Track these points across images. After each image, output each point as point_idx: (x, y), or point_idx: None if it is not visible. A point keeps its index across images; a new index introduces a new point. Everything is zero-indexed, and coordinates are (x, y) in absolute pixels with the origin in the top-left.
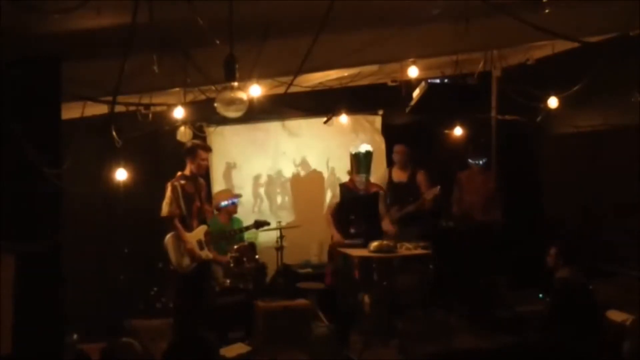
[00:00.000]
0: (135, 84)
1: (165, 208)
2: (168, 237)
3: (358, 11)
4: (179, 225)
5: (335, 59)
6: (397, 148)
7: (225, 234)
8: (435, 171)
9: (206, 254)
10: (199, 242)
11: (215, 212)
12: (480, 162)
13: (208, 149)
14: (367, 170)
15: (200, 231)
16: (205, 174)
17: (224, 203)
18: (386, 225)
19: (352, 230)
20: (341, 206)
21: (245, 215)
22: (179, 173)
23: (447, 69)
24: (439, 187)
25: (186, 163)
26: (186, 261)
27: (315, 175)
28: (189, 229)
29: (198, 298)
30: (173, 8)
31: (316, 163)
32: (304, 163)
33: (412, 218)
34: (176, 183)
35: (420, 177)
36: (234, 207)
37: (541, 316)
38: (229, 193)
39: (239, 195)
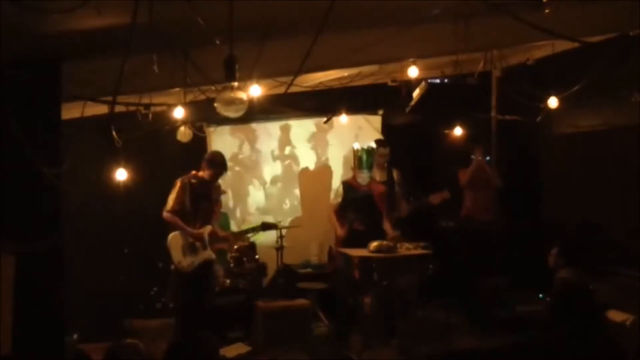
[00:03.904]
0: (135, 84)
1: (170, 203)
2: (171, 236)
3: (358, 11)
4: (180, 221)
5: (335, 59)
6: (381, 150)
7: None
8: (434, 171)
9: (209, 253)
10: (203, 242)
11: None
12: (485, 159)
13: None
14: (370, 167)
15: (204, 231)
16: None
17: None
18: (387, 227)
19: (355, 227)
20: (344, 203)
21: (246, 213)
22: (194, 172)
23: (447, 69)
24: (447, 191)
25: (207, 169)
26: (188, 260)
27: (321, 173)
28: (192, 227)
29: (200, 297)
30: (173, 8)
31: (317, 162)
32: (305, 162)
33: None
34: (186, 181)
35: (397, 176)
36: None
37: (541, 316)
38: None
39: (222, 192)
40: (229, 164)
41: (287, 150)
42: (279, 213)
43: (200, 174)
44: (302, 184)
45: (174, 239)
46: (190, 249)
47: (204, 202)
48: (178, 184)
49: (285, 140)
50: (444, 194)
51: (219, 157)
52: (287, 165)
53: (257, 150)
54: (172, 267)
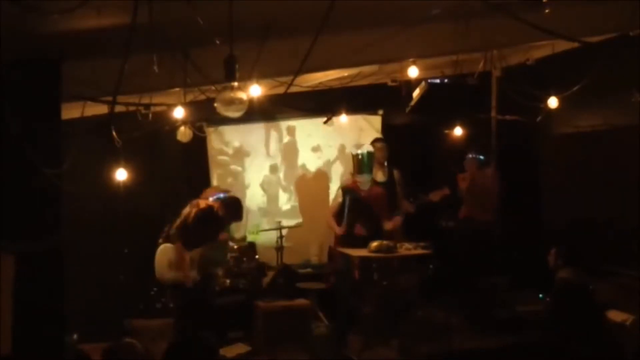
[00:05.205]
0: (135, 84)
1: (174, 231)
2: (161, 248)
3: (358, 11)
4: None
5: (335, 59)
6: (378, 145)
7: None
8: (434, 171)
9: (194, 274)
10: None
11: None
12: (479, 159)
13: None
14: (370, 171)
15: (194, 256)
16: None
17: (211, 199)
18: (388, 225)
19: (356, 231)
20: (343, 207)
21: (247, 213)
22: (211, 203)
23: (447, 69)
24: (447, 188)
25: (222, 209)
26: (171, 274)
27: (320, 175)
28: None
29: (200, 297)
30: (173, 8)
31: (318, 162)
32: (304, 162)
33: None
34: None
35: (398, 176)
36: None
37: (541, 316)
38: (216, 189)
39: (226, 191)
40: (231, 166)
41: (290, 151)
42: (280, 214)
43: (215, 206)
44: (300, 189)
45: (162, 252)
46: (176, 266)
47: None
48: (192, 214)
49: (288, 141)
50: (444, 191)
51: (236, 204)
52: (289, 166)
53: (259, 150)
54: None
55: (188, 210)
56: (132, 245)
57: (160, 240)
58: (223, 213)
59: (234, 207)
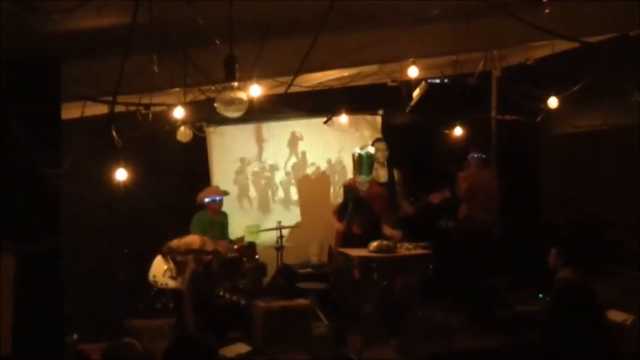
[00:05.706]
0: (135, 84)
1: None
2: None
3: (358, 11)
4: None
5: (335, 59)
6: (379, 145)
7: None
8: (434, 171)
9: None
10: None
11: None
12: (482, 158)
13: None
14: (369, 172)
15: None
16: None
17: (206, 200)
18: (388, 230)
19: (355, 231)
20: (344, 207)
21: (246, 213)
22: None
23: (447, 69)
24: (447, 191)
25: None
26: (164, 280)
27: (320, 175)
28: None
29: (200, 297)
30: (173, 8)
31: (317, 162)
32: (304, 162)
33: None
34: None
35: (398, 176)
36: (215, 204)
37: (541, 316)
38: (214, 190)
39: (223, 193)
40: (237, 164)
41: (293, 152)
42: (281, 215)
43: (213, 264)
44: (301, 191)
45: (161, 261)
46: (170, 274)
47: None
48: (192, 270)
49: (292, 142)
50: (444, 193)
51: (234, 265)
52: (294, 168)
53: (262, 149)
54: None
55: (190, 262)
56: (132, 245)
57: (160, 251)
58: (218, 271)
59: (230, 266)
